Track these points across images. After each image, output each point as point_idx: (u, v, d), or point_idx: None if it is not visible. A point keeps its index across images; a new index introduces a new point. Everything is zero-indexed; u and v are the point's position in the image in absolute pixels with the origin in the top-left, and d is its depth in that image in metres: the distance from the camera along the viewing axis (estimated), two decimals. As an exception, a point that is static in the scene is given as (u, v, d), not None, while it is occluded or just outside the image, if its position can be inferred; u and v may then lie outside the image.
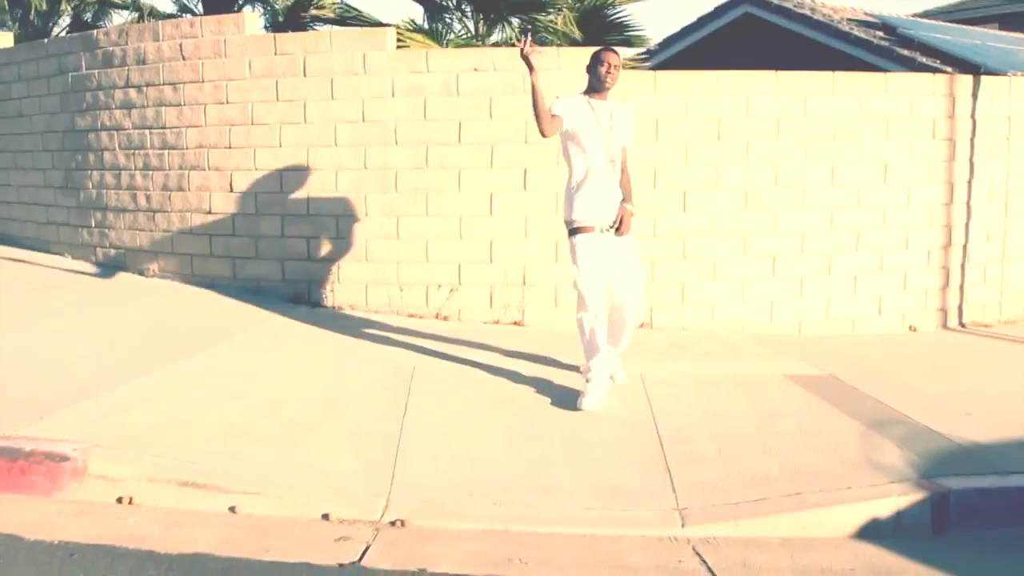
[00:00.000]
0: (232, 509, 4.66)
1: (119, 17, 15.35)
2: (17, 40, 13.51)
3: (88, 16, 15.01)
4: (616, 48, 6.04)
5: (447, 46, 10.10)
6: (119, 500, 4.75)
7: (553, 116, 5.77)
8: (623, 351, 6.43)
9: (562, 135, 5.92)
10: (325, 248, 8.40)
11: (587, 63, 5.95)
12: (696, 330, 8.23)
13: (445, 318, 8.12)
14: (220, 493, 4.73)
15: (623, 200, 6.07)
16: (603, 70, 5.87)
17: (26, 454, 4.89)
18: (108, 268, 9.61)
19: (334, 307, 8.40)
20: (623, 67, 9.80)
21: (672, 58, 17.60)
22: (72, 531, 4.37)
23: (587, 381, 5.98)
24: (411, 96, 8.07)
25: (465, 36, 10.81)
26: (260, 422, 5.59)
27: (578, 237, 5.93)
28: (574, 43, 10.60)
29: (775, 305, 8.37)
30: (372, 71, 8.11)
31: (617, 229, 5.99)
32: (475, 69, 7.96)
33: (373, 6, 11.50)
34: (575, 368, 6.66)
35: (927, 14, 21.02)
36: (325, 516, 4.61)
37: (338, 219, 8.33)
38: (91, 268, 9.67)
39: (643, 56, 11.42)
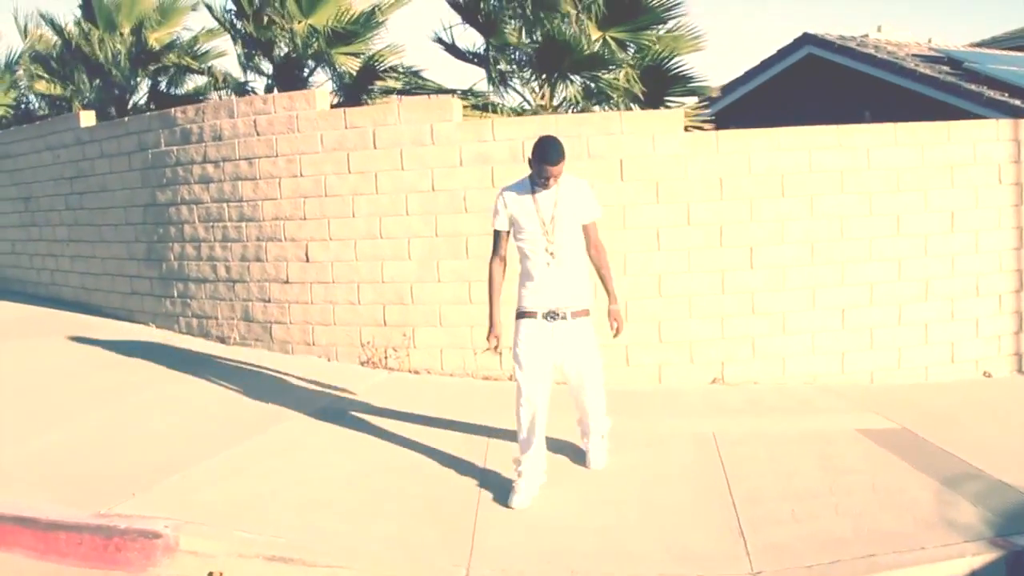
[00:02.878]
0: (318, 583, 4.83)
1: (193, 83, 15.72)
2: (93, 107, 14.02)
3: (163, 84, 15.43)
4: (557, 149, 5.49)
5: (507, 113, 10.30)
6: (210, 575, 4.94)
7: (497, 235, 5.78)
8: (600, 429, 6.15)
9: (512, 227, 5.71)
10: (399, 314, 8.62)
11: (529, 156, 5.59)
12: (767, 384, 8.28)
13: (518, 380, 8.25)
14: (306, 567, 4.90)
15: (608, 302, 5.95)
16: (543, 179, 5.52)
17: (120, 532, 5.13)
18: (191, 337, 9.93)
19: (409, 371, 8.60)
20: (687, 118, 10.08)
21: (736, 103, 17.66)
22: (168, 610, 4.60)
23: (517, 475, 5.70)
24: (478, 164, 8.28)
25: (531, 103, 10.99)
26: (342, 493, 5.75)
27: (518, 322, 5.72)
28: (636, 99, 10.76)
29: (846, 356, 8.39)
30: (440, 141, 8.35)
31: (566, 316, 5.62)
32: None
33: (436, 73, 11.79)
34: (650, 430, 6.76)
35: (993, 41, 20.81)
36: (407, 588, 4.76)
37: (412, 285, 8.54)
38: (174, 337, 9.98)
39: (703, 104, 11.49)
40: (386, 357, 8.65)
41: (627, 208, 8.08)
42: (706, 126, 10.75)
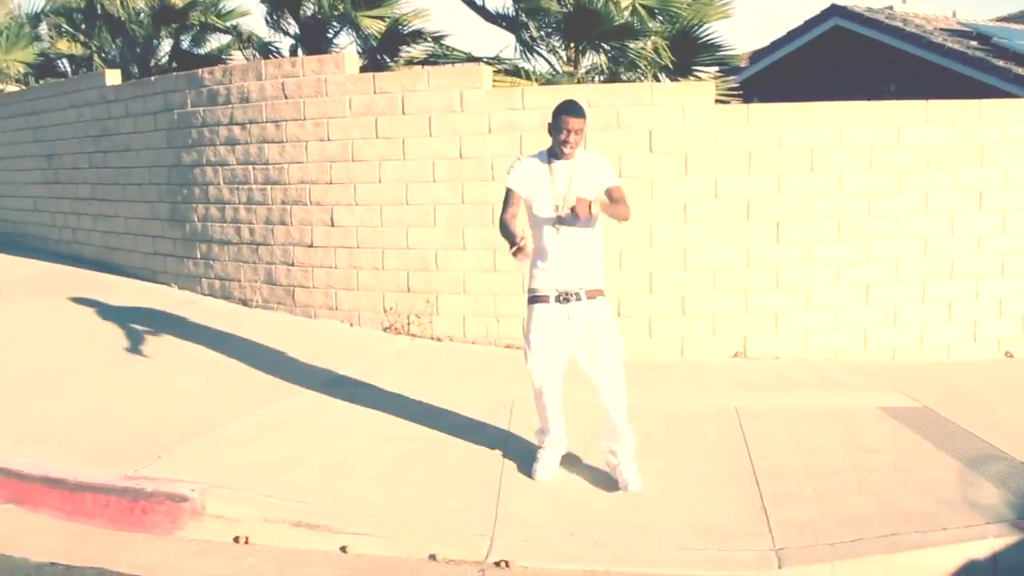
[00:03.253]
0: (343, 549, 4.89)
1: (217, 42, 15.68)
2: (115, 65, 14.01)
3: (186, 42, 15.40)
4: (578, 105, 5.33)
5: (537, 81, 10.26)
6: (235, 539, 5.01)
7: (509, 193, 5.38)
8: (628, 451, 5.54)
9: (525, 201, 5.42)
10: (423, 280, 8.64)
11: (549, 120, 5.35)
12: (790, 359, 8.28)
13: (540, 348, 8.28)
14: (332, 533, 4.95)
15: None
16: (562, 137, 5.25)
17: (147, 495, 5.19)
18: (213, 299, 9.97)
19: (432, 338, 8.62)
20: (718, 97, 10.02)
21: (761, 72, 17.59)
22: (193, 573, 4.67)
23: (541, 447, 5.74)
24: (507, 133, 8.26)
25: (558, 71, 10.94)
26: (367, 459, 5.81)
27: (530, 307, 5.47)
28: (665, 69, 10.71)
29: (868, 333, 8.38)
30: (469, 109, 8.33)
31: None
32: (569, 105, 8.11)
33: (461, 38, 11.76)
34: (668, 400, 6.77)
35: (1021, 15, 20.62)
36: (432, 556, 4.81)
37: (437, 252, 8.56)
38: (196, 298, 10.03)
39: (730, 73, 11.39)
40: (408, 323, 8.68)
41: (655, 180, 8.06)
42: (732, 99, 10.70)
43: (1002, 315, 8.61)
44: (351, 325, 8.96)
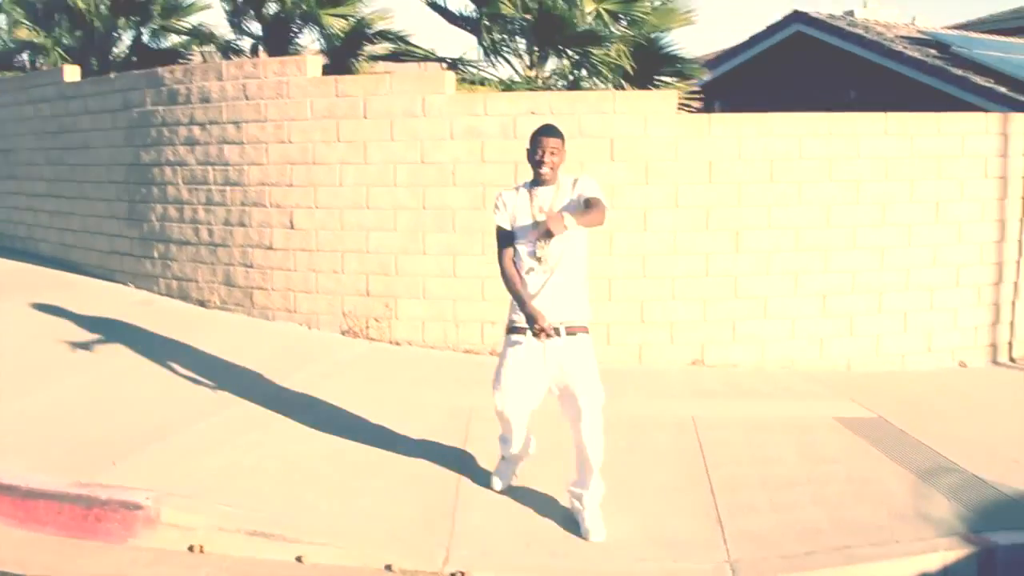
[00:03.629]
0: (299, 559, 4.85)
1: (178, 37, 15.48)
2: (75, 56, 13.79)
3: (146, 36, 15.18)
4: (554, 126, 5.08)
5: (496, 85, 10.26)
6: (190, 548, 4.96)
7: (500, 231, 5.15)
8: (595, 499, 5.17)
9: None
10: (383, 284, 8.61)
11: (527, 147, 5.09)
12: (747, 367, 8.34)
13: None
14: (287, 543, 4.92)
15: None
16: (538, 156, 4.98)
17: (101, 502, 5.12)
18: (170, 299, 9.89)
19: (391, 342, 8.60)
20: (680, 101, 10.03)
21: (724, 76, 17.64)
22: (148, 582, 4.61)
23: (500, 456, 5.60)
24: (469, 139, 8.26)
25: (520, 77, 10.94)
26: (323, 467, 5.77)
27: (506, 337, 5.21)
28: (626, 75, 10.73)
29: (825, 342, 8.45)
30: (431, 114, 8.32)
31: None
32: (532, 112, 8.12)
33: (424, 39, 11.74)
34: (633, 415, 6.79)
35: (980, 23, 20.87)
36: (388, 567, 4.78)
37: (397, 257, 8.53)
38: (154, 299, 9.95)
39: (694, 88, 11.44)
40: (367, 327, 8.65)
41: (616, 188, 8.07)
42: (693, 103, 10.74)
43: (956, 326, 8.72)
44: (309, 328, 8.92)
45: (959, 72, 14.10)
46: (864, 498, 5.56)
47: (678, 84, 10.95)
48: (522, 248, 5.05)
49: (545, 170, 4.98)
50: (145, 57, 14.39)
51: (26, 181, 12.29)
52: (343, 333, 8.75)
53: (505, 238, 5.12)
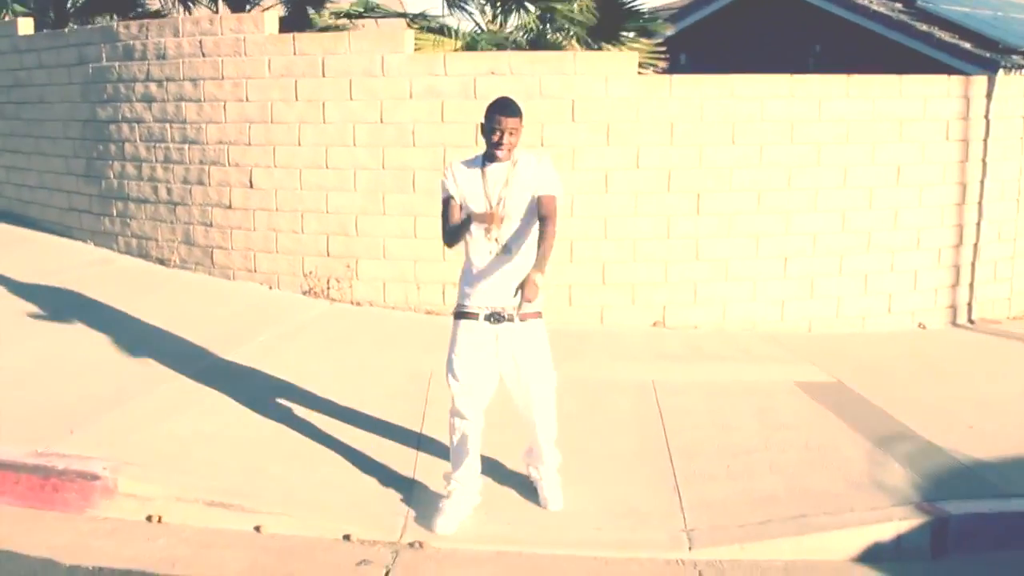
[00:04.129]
0: (257, 529, 4.83)
1: None
2: (30, 7, 13.51)
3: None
4: (513, 103, 4.74)
5: (462, 40, 10.13)
6: (148, 518, 4.93)
7: (446, 205, 4.83)
8: (552, 467, 5.13)
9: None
10: (343, 245, 8.55)
11: (481, 121, 4.76)
12: (708, 329, 8.36)
13: (461, 316, 8.26)
14: (245, 513, 4.89)
15: (532, 269, 4.47)
16: (495, 138, 4.66)
17: (59, 472, 5.06)
18: (129, 258, 9.79)
19: (351, 302, 8.56)
20: (644, 59, 9.96)
21: (688, 30, 17.46)
22: (106, 554, 4.57)
23: (446, 495, 4.96)
24: (429, 99, 8.17)
25: (484, 30, 10.82)
26: (282, 435, 5.74)
27: (457, 322, 4.89)
28: (591, 32, 10.63)
29: (786, 304, 8.49)
30: (390, 73, 8.21)
31: (518, 308, 4.52)
32: (492, 72, 8.04)
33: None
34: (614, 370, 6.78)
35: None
36: (347, 537, 4.78)
37: (357, 217, 8.47)
38: (113, 257, 9.84)
39: (659, 46, 11.31)
40: (328, 288, 8.60)
41: (577, 150, 8.03)
42: (658, 60, 10.68)
43: (916, 288, 8.78)
44: (270, 288, 8.85)
45: (924, 28, 13.97)
46: (821, 466, 5.59)
47: (642, 40, 10.87)
48: (475, 230, 4.74)
49: (502, 152, 4.69)
50: (102, 8, 14.06)
51: (-19, 135, 12.06)
52: (304, 293, 8.70)
53: (450, 210, 4.80)
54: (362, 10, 11.45)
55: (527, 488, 5.21)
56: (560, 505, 5.04)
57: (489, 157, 4.75)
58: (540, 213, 4.67)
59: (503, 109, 4.69)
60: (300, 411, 6.09)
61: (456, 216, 4.76)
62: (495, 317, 4.75)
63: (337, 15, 11.90)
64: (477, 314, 4.78)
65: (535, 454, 5.12)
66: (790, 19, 15.86)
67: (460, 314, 4.87)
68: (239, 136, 8.73)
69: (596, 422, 6.13)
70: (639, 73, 8.28)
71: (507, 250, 4.75)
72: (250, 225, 8.84)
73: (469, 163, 4.86)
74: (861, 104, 8.32)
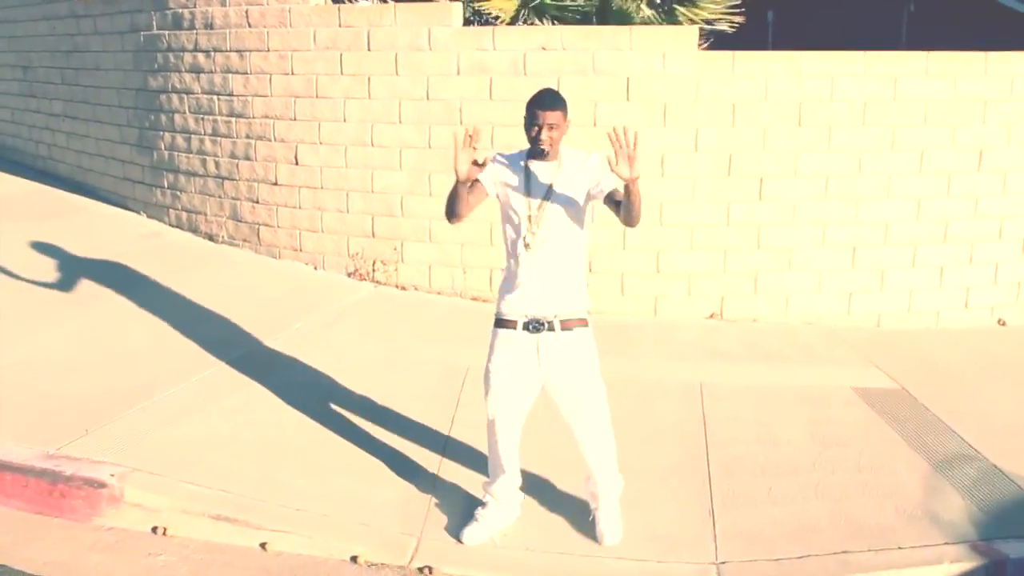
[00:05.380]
0: (263, 546, 4.62)
1: None
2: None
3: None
4: (553, 95, 4.37)
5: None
6: (154, 530, 4.75)
7: (473, 183, 4.37)
8: (612, 495, 4.78)
9: (499, 203, 4.52)
10: (388, 226, 8.26)
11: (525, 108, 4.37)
12: (768, 322, 7.91)
13: (508, 303, 7.92)
14: (251, 529, 4.68)
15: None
16: (533, 133, 4.30)
17: (66, 478, 4.90)
18: (179, 232, 9.64)
19: (396, 286, 8.28)
20: (717, 15, 9.43)
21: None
22: (102, 572, 4.37)
23: (482, 504, 4.80)
24: (476, 75, 7.79)
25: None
26: (301, 439, 5.49)
27: (494, 331, 4.56)
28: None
29: (853, 297, 7.98)
30: (437, 48, 7.84)
31: (554, 326, 4.40)
32: (543, 48, 7.62)
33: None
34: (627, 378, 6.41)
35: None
36: (354, 558, 4.54)
37: (402, 197, 8.16)
38: (163, 230, 9.71)
39: (735, 5, 10.69)
40: (374, 270, 8.33)
41: (631, 131, 7.57)
42: (734, 17, 10.07)
43: (997, 281, 8.18)
44: (315, 268, 8.61)
45: None
46: (871, 491, 5.16)
47: (710, 3, 10.27)
48: (512, 231, 4.45)
49: (543, 147, 4.30)
50: None
51: (44, 100, 12.00)
52: (349, 275, 8.44)
53: (474, 187, 4.39)
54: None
55: (574, 511, 4.88)
56: (617, 539, 4.67)
57: (532, 154, 4.40)
58: (616, 199, 4.28)
59: (540, 102, 4.30)
60: (323, 410, 5.83)
61: (478, 193, 4.41)
62: (534, 325, 4.42)
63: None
64: (516, 322, 4.45)
65: (593, 481, 4.73)
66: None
67: (498, 322, 4.54)
68: (284, 111, 8.46)
69: (637, 430, 5.72)
70: (708, 42, 7.76)
71: (547, 256, 4.39)
72: (296, 203, 8.59)
73: (512, 158, 4.51)
74: (940, 83, 7.71)
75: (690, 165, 7.70)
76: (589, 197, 4.39)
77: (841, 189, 7.77)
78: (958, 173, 7.89)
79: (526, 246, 4.37)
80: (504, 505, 4.74)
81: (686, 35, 7.68)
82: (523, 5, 9.59)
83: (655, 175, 7.66)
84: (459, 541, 4.63)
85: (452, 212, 4.40)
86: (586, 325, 4.52)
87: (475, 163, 4.22)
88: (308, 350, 6.74)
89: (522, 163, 4.43)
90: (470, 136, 4.18)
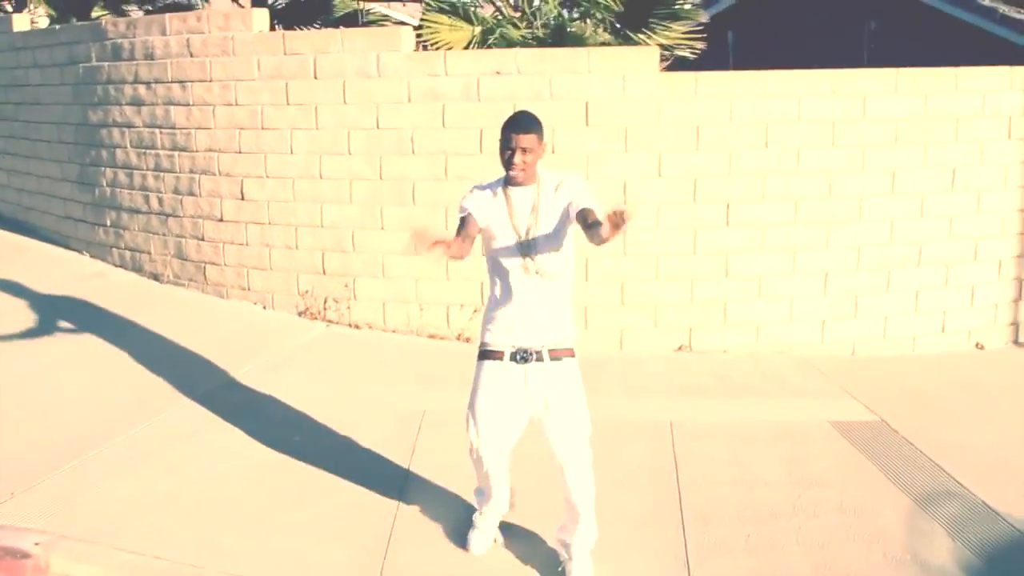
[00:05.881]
0: (196, 620, 4.21)
1: None
2: (58, 7, 13.12)
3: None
4: (527, 118, 4.13)
5: (480, 24, 9.33)
6: (79, 605, 4.32)
7: (463, 221, 4.11)
8: (586, 546, 4.46)
9: (482, 234, 4.24)
10: (339, 262, 7.87)
11: (499, 138, 4.13)
12: (739, 353, 7.57)
13: (467, 340, 7.55)
14: (182, 602, 4.27)
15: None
16: (507, 156, 4.07)
17: (-16, 548, 4.47)
18: (123, 272, 9.23)
19: (349, 325, 7.89)
20: (673, 44, 9.16)
21: (729, 9, 16.76)
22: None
23: (476, 512, 4.73)
24: (428, 102, 7.44)
25: (504, 16, 10.06)
26: (247, 494, 5.11)
27: (479, 363, 4.33)
28: (619, 17, 9.84)
29: (827, 325, 7.66)
30: (386, 74, 7.48)
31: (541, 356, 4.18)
32: (497, 72, 7.29)
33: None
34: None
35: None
36: (294, 633, 4.15)
37: (353, 232, 7.78)
38: (107, 270, 9.30)
39: (697, 28, 10.47)
40: (325, 308, 7.93)
41: (591, 157, 7.26)
42: (695, 43, 9.83)
43: (973, 304, 7.90)
44: (264, 308, 8.21)
45: (987, 2, 13.22)
46: (856, 535, 4.82)
47: (675, 26, 10.03)
48: (507, 260, 4.19)
49: (518, 172, 4.09)
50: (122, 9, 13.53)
51: (-17, 136, 11.56)
52: (300, 314, 8.03)
53: (466, 226, 4.09)
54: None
55: (544, 560, 4.55)
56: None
57: (509, 180, 4.17)
58: (589, 221, 3.96)
59: (515, 125, 4.09)
60: (271, 461, 5.45)
61: (473, 232, 4.09)
62: (522, 356, 4.20)
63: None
64: (502, 353, 4.23)
65: (570, 523, 4.44)
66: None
67: (484, 354, 4.31)
68: (229, 143, 8.07)
69: (605, 474, 5.23)
70: (667, 63, 7.49)
71: (538, 281, 4.18)
72: (242, 240, 8.19)
73: (490, 187, 4.27)
74: (911, 101, 7.44)
75: (654, 191, 7.36)
76: (568, 217, 4.14)
77: (811, 213, 7.47)
78: (931, 193, 7.61)
79: (523, 272, 4.15)
80: (494, 515, 4.64)
81: (646, 56, 7.36)
82: (474, 39, 9.24)
83: (617, 201, 7.32)
84: (465, 549, 4.57)
85: (456, 260, 4.06)
86: (573, 356, 4.31)
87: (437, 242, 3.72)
88: (256, 396, 6.37)
89: (501, 191, 4.21)
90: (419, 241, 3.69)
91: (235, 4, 11.75)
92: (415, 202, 7.53)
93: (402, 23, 10.36)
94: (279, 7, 12.59)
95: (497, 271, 4.27)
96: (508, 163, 4.08)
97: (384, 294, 7.79)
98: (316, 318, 7.96)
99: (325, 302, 7.93)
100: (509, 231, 4.15)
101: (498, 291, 4.29)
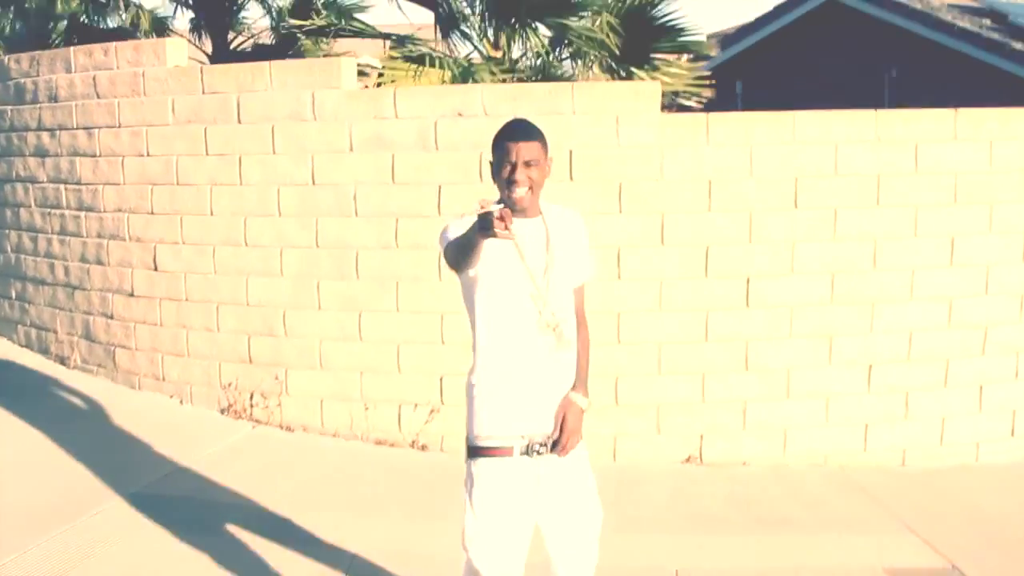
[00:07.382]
0: None
1: (119, 19, 14.06)
2: (12, 40, 12.30)
3: (84, 18, 13.62)
4: (528, 124, 3.26)
5: (452, 69, 8.01)
6: None
7: (444, 250, 3.25)
8: None
9: (471, 281, 3.26)
10: (268, 349, 6.43)
11: (490, 159, 3.29)
12: (762, 465, 6.08)
13: (423, 447, 6.10)
14: None
15: (572, 387, 3.29)
16: (506, 173, 3.15)
17: None
18: (30, 352, 7.85)
19: (280, 426, 6.44)
20: (681, 91, 7.92)
21: (744, 54, 16.05)
22: None
23: None
24: (374, 150, 6.03)
25: (481, 53, 8.86)
26: None
27: (478, 463, 3.24)
28: (616, 56, 8.58)
29: (870, 428, 6.17)
30: (323, 116, 6.08)
31: (556, 444, 3.22)
32: (459, 114, 5.89)
33: (384, 15, 9.65)
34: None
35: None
36: None
37: (285, 312, 6.34)
38: (11, 351, 8.00)
39: (697, 57, 9.30)
40: (252, 405, 6.47)
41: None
42: (704, 90, 8.64)
43: (1052, 401, 6.40)
44: (181, 402, 6.77)
45: (1020, 46, 12.11)
46: None
47: (681, 65, 8.76)
48: (515, 315, 3.18)
49: (520, 192, 3.13)
50: (86, 39, 12.55)
51: None
52: (222, 411, 6.59)
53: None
54: (339, 29, 9.32)
55: None
56: None
57: (510, 207, 3.05)
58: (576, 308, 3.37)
59: (513, 133, 3.19)
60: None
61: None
62: (535, 448, 3.19)
63: (317, 33, 9.88)
64: (510, 448, 3.19)
65: None
66: (861, 40, 14.47)
67: (481, 450, 3.22)
68: (140, 202, 6.69)
69: None
70: (671, 110, 6.06)
71: (557, 344, 3.21)
72: (156, 319, 6.78)
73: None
74: (973, 148, 6.00)
75: (655, 263, 5.91)
76: (579, 267, 3.41)
77: (851, 290, 5.99)
78: (999, 264, 6.12)
79: (537, 329, 3.17)
80: None
81: (645, 93, 5.92)
82: (459, 79, 7.91)
83: (610, 277, 5.89)
84: None
85: (464, 264, 3.12)
86: (581, 438, 3.35)
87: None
88: (165, 509, 5.01)
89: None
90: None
91: (167, 37, 10.77)
92: (359, 275, 6.10)
93: (371, 66, 9.19)
94: (246, 51, 11.63)
95: (496, 330, 3.24)
96: (509, 182, 3.13)
97: (322, 389, 6.32)
98: (241, 416, 6.50)
99: (251, 397, 6.47)
100: (519, 273, 3.15)
101: (495, 358, 3.24)
